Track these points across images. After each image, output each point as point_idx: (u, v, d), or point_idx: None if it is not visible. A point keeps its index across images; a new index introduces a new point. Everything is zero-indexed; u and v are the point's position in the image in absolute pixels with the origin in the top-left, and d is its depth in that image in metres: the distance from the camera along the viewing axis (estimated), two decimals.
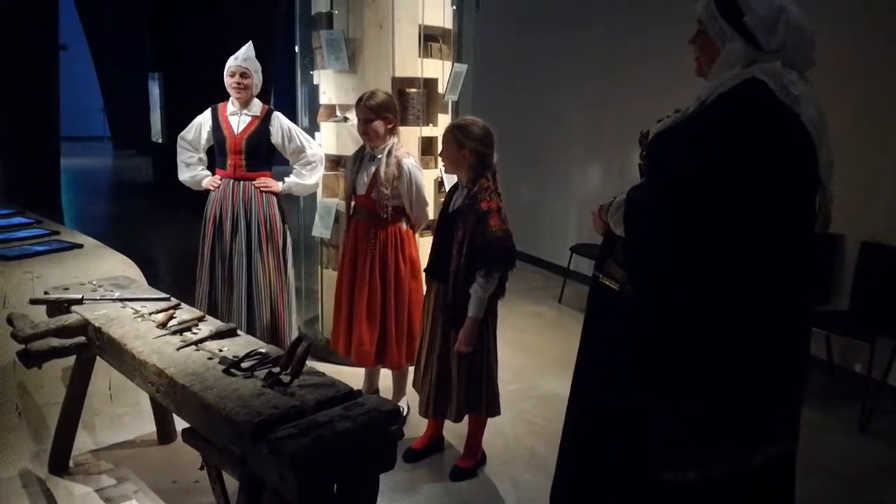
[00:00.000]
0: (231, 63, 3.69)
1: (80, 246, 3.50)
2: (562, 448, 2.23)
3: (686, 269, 1.74)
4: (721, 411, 1.79)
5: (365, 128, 3.28)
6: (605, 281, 1.99)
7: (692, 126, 1.79)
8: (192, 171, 3.87)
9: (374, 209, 3.32)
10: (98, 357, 2.73)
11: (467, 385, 2.92)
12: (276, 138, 3.78)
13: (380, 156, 3.31)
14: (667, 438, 1.81)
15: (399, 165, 3.29)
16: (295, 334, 3.96)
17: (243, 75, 3.69)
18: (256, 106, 3.79)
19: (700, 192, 1.69)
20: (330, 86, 4.17)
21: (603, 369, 2.01)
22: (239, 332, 2.54)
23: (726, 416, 1.80)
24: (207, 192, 3.84)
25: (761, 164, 1.68)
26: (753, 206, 1.69)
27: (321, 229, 4.14)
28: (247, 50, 3.74)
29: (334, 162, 4.19)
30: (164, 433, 3.16)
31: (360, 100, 3.31)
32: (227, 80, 3.70)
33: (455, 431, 3.25)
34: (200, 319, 2.61)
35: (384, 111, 3.28)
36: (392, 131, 3.34)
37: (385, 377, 3.71)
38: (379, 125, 3.27)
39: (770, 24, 1.73)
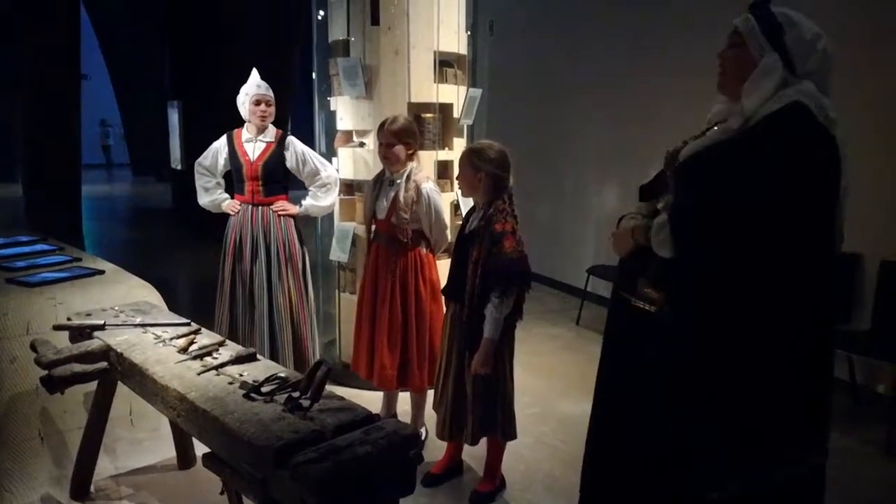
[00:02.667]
0: (255, 91, 3.76)
1: (102, 272, 3.54)
2: (585, 472, 2.21)
3: (743, 288, 1.76)
4: (764, 429, 1.80)
5: (386, 152, 3.32)
6: (639, 304, 1.97)
7: (739, 146, 1.81)
8: (211, 195, 3.93)
9: (395, 233, 3.35)
10: (119, 382, 2.76)
11: (483, 408, 2.91)
12: (290, 162, 3.83)
13: (399, 180, 3.34)
14: (711, 458, 1.82)
15: (418, 189, 3.32)
16: (319, 355, 3.99)
17: (268, 103, 3.77)
18: (271, 132, 3.85)
19: (757, 212, 1.71)
20: (347, 112, 4.22)
21: (635, 392, 1.99)
22: (259, 356, 2.55)
23: (767, 435, 1.80)
24: (226, 216, 3.89)
25: (811, 185, 1.72)
26: (802, 225, 1.73)
27: (338, 253, 4.17)
28: (259, 77, 3.81)
29: (350, 187, 4.23)
30: (185, 458, 3.18)
31: (382, 125, 3.35)
32: (252, 109, 3.75)
33: (474, 455, 3.24)
34: (221, 344, 2.63)
35: (406, 136, 3.32)
36: (412, 157, 3.38)
37: (403, 401, 3.70)
38: (400, 150, 3.31)
39: (809, 48, 1.80)
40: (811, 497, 1.92)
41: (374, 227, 3.47)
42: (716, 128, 1.94)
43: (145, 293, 3.42)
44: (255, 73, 3.83)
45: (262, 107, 3.75)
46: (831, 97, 1.82)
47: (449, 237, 3.60)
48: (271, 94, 3.80)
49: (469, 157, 2.90)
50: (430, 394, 3.29)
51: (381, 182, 3.43)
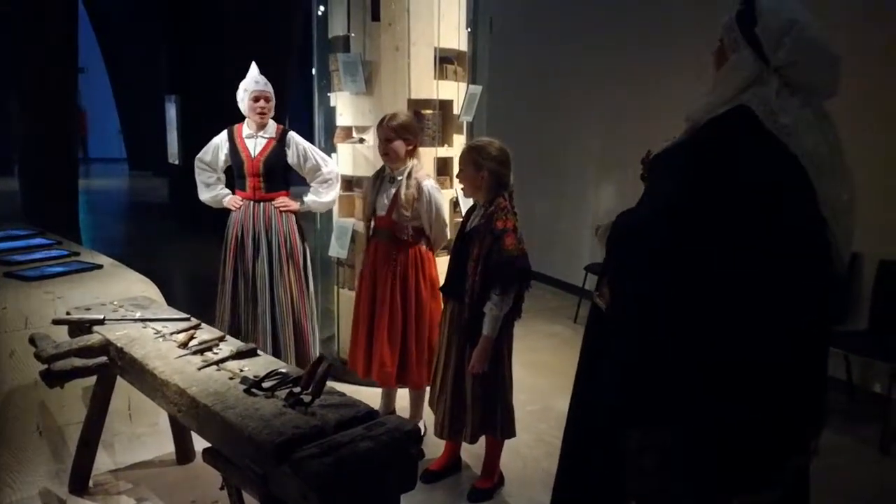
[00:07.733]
0: (254, 87, 3.73)
1: (100, 266, 3.53)
2: (560, 461, 2.23)
3: (657, 297, 1.66)
4: (691, 451, 1.67)
5: (385, 147, 3.31)
6: (597, 300, 1.97)
7: (680, 152, 1.75)
8: (212, 190, 3.92)
9: (395, 230, 3.34)
10: (118, 377, 2.76)
11: (482, 406, 2.92)
12: (292, 159, 3.82)
13: (399, 178, 3.33)
14: (637, 468, 1.75)
15: (419, 187, 3.31)
16: (320, 350, 3.99)
17: (267, 99, 3.74)
18: (271, 127, 3.83)
19: (678, 222, 1.63)
20: (347, 108, 4.21)
21: (588, 388, 2.00)
22: (259, 351, 2.56)
23: (697, 457, 1.67)
24: (226, 211, 3.88)
25: (735, 194, 1.59)
26: (727, 236, 1.59)
27: (337, 249, 4.17)
28: (259, 72, 3.78)
29: (350, 183, 4.23)
30: (183, 453, 3.18)
31: (382, 120, 3.34)
32: (251, 105, 3.73)
33: (473, 452, 3.24)
34: (221, 339, 2.63)
35: (405, 132, 3.31)
36: (412, 153, 3.37)
37: (402, 397, 3.71)
38: (399, 145, 3.30)
39: (777, 37, 1.64)
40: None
41: (373, 224, 3.47)
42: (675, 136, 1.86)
43: (144, 288, 3.42)
44: (254, 67, 3.79)
45: (262, 103, 3.73)
46: (830, 95, 1.68)
47: (448, 235, 3.59)
48: (270, 89, 3.77)
49: (471, 154, 2.90)
50: (428, 390, 3.29)
51: (382, 179, 3.43)
